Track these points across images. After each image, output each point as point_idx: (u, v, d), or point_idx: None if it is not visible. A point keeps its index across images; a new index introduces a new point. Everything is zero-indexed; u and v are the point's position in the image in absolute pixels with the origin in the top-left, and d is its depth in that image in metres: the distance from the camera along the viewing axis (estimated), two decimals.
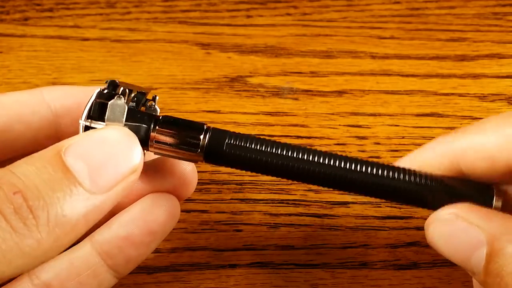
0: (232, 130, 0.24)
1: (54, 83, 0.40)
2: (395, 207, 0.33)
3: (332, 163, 0.23)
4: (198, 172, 0.35)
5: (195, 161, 0.25)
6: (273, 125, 0.37)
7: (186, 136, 0.24)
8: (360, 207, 0.33)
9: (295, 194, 0.34)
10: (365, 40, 0.43)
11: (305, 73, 0.41)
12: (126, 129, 0.22)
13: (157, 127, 0.23)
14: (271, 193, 0.34)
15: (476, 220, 0.21)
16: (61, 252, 0.21)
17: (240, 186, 0.34)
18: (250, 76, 0.41)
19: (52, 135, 0.26)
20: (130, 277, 0.31)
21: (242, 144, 0.24)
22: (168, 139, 0.23)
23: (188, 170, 0.26)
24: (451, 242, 0.22)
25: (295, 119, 0.38)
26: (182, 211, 0.33)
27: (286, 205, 0.33)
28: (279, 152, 0.23)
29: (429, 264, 0.31)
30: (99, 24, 0.44)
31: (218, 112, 0.38)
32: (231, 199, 0.34)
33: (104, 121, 0.23)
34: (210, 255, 0.31)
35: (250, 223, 0.33)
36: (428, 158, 0.24)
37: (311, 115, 0.38)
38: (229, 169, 0.35)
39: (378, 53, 0.42)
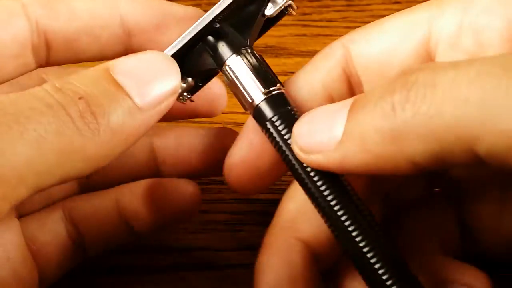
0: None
1: None
2: None
3: None
4: None
5: (246, 109, 0.25)
6: None
7: (254, 82, 0.24)
8: None
9: None
10: None
11: None
12: (167, 54, 0.23)
13: (246, 54, 0.25)
14: (271, 193, 0.34)
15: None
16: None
17: None
18: None
19: (121, 52, 0.26)
20: (130, 277, 0.31)
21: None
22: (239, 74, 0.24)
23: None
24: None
25: None
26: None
27: None
28: None
29: None
30: None
31: None
32: (231, 199, 0.34)
33: None
34: (210, 255, 0.31)
35: (250, 223, 0.33)
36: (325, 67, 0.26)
37: None
38: None
39: None
